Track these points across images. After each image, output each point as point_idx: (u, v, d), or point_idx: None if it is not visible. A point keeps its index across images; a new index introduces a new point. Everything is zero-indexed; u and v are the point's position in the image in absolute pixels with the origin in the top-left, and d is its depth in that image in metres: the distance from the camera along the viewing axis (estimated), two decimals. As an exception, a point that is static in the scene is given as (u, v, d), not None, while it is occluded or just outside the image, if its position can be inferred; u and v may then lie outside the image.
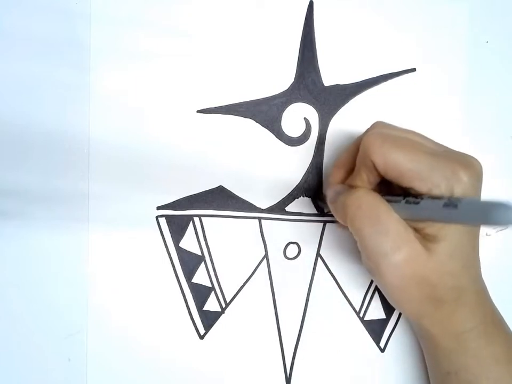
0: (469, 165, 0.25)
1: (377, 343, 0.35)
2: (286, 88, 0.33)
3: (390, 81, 0.33)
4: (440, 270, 0.26)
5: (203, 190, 0.32)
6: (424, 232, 0.26)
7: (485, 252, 0.35)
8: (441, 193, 0.24)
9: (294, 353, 0.34)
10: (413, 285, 0.26)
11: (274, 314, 0.34)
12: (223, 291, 0.33)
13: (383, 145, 0.25)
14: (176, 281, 0.33)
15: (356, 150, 0.28)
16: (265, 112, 0.32)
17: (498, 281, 0.35)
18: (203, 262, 0.33)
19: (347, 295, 0.34)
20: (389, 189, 0.28)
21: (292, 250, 0.34)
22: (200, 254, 0.33)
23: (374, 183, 0.28)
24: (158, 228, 0.32)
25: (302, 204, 0.33)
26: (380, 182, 0.28)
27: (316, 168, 0.33)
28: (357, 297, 0.34)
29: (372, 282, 0.34)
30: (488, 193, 0.35)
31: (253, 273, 0.33)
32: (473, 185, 0.25)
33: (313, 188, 0.33)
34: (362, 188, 0.27)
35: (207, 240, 0.33)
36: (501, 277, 0.35)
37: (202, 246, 0.33)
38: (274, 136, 0.33)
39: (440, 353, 0.29)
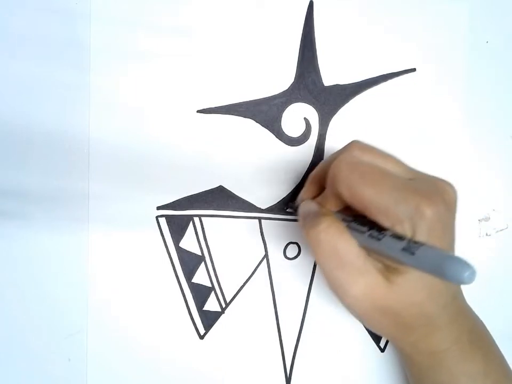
0: (436, 197, 0.24)
1: (377, 343, 0.35)
2: (286, 88, 0.33)
3: (390, 81, 0.33)
4: (403, 301, 0.25)
5: (203, 190, 0.32)
6: (386, 263, 0.25)
7: (485, 251, 0.35)
8: (403, 231, 0.23)
9: (294, 353, 0.34)
10: (377, 315, 0.25)
11: (274, 314, 0.34)
12: (223, 291, 0.33)
13: (350, 176, 0.24)
14: (176, 281, 0.33)
15: (328, 168, 0.27)
16: (265, 112, 0.32)
17: (498, 281, 0.35)
18: (203, 262, 0.33)
19: (347, 295, 0.34)
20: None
21: (292, 250, 0.34)
22: (200, 254, 0.33)
23: (341, 206, 0.27)
24: (158, 228, 0.32)
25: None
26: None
27: (316, 168, 0.33)
28: (357, 297, 0.34)
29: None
30: (488, 192, 0.35)
31: (253, 273, 0.33)
32: (439, 219, 0.23)
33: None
34: (325, 220, 0.25)
35: (207, 240, 0.33)
36: (501, 277, 0.35)
37: (202, 246, 0.33)
38: (274, 136, 0.33)
39: (416, 369, 0.29)
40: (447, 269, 0.20)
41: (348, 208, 0.27)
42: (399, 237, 0.23)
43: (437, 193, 0.24)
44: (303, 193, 0.30)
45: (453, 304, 0.27)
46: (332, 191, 0.26)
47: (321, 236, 0.25)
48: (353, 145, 0.27)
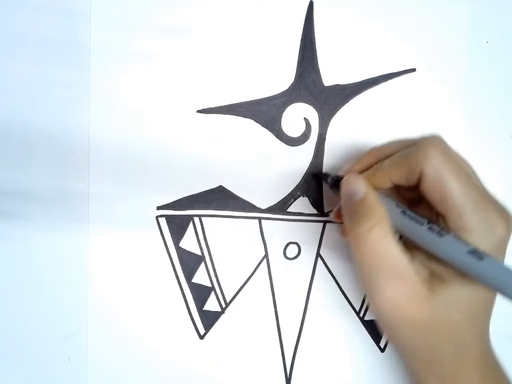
0: (507, 219, 0.24)
1: (377, 343, 0.35)
2: (286, 88, 0.33)
3: (390, 81, 0.33)
4: (439, 316, 0.23)
5: (203, 190, 0.32)
6: (433, 269, 0.24)
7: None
8: (468, 236, 0.23)
9: (294, 353, 0.34)
10: (405, 326, 0.24)
11: (274, 314, 0.34)
12: (223, 291, 0.33)
13: (443, 165, 0.23)
14: (176, 281, 0.33)
15: (401, 148, 0.26)
16: (265, 112, 0.32)
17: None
18: (203, 262, 0.33)
19: (347, 295, 0.34)
20: (402, 193, 0.26)
21: (292, 250, 0.34)
22: (200, 254, 0.33)
23: (397, 184, 0.25)
24: (158, 228, 0.32)
25: (302, 204, 0.33)
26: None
27: (316, 168, 0.33)
28: (357, 297, 0.34)
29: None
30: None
31: (253, 273, 0.33)
32: (506, 240, 0.23)
33: (313, 188, 0.33)
34: (372, 218, 0.24)
35: (207, 240, 0.33)
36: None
37: (202, 246, 0.33)
38: (274, 136, 0.33)
39: None
40: None
41: (395, 189, 0.25)
42: (464, 241, 0.23)
43: (508, 215, 0.24)
44: (352, 166, 0.28)
45: (486, 341, 0.25)
46: (406, 169, 0.24)
47: (363, 237, 0.24)
48: (438, 137, 0.25)
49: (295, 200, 0.33)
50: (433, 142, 0.25)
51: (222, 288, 0.33)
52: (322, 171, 0.33)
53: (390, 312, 0.24)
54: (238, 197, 0.33)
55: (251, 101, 0.32)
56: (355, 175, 0.27)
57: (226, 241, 0.33)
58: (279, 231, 0.33)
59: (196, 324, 0.33)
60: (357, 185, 0.25)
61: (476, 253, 0.22)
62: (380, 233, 0.24)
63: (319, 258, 0.34)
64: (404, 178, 0.25)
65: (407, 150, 0.25)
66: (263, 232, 0.33)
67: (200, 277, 0.33)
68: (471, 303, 0.24)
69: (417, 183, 0.25)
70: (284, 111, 0.33)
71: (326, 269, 0.34)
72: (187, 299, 0.33)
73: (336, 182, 0.28)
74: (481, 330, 0.25)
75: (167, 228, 0.32)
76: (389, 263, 0.24)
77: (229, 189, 0.33)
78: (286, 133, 0.33)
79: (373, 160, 0.27)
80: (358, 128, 0.33)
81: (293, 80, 0.33)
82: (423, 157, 0.24)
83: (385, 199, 0.25)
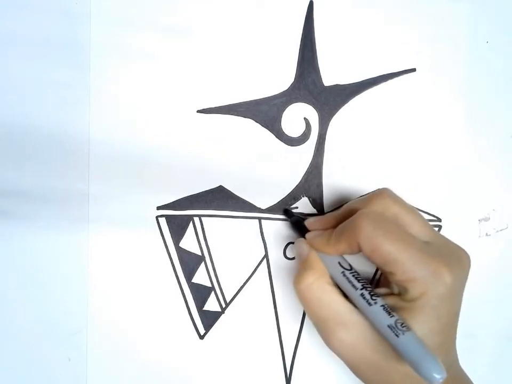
0: (454, 264, 0.25)
1: (377, 343, 0.35)
2: (286, 88, 0.33)
3: (390, 81, 0.33)
4: (393, 356, 0.25)
5: (203, 190, 0.32)
6: None
7: (485, 252, 0.35)
8: (413, 289, 0.24)
9: (294, 353, 0.34)
10: (363, 367, 0.26)
11: (274, 314, 0.34)
12: (223, 291, 0.33)
13: (374, 232, 0.25)
14: (176, 281, 0.33)
15: (346, 215, 0.28)
16: (265, 112, 0.32)
17: (498, 281, 0.35)
18: (203, 262, 0.33)
19: (347, 295, 0.34)
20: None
21: (292, 250, 0.34)
22: (200, 254, 0.33)
23: (349, 253, 0.27)
24: (158, 228, 0.32)
25: (302, 204, 0.33)
26: None
27: (316, 168, 0.33)
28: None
29: (370, 282, 0.34)
30: (488, 192, 0.35)
31: (253, 273, 0.33)
32: (453, 286, 0.25)
33: (313, 188, 0.33)
34: (311, 275, 0.27)
35: (207, 240, 0.33)
36: (501, 277, 0.35)
37: (202, 246, 0.33)
38: (274, 136, 0.33)
39: None
40: (423, 366, 0.22)
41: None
42: (389, 312, 0.24)
43: (454, 260, 0.25)
44: (315, 222, 0.30)
45: (448, 372, 0.25)
46: (347, 240, 0.26)
47: (305, 291, 0.27)
48: (382, 195, 0.28)
49: (296, 201, 0.33)
50: (365, 212, 0.26)
51: (222, 288, 0.33)
52: (288, 208, 0.33)
53: (345, 354, 0.26)
54: (238, 197, 0.33)
55: (251, 101, 0.32)
56: (301, 240, 0.30)
57: (226, 241, 0.33)
58: (279, 231, 0.33)
59: (196, 324, 0.33)
60: (302, 248, 0.29)
61: (394, 329, 0.23)
62: (319, 288, 0.27)
63: (319, 258, 0.34)
64: (348, 250, 0.27)
65: (346, 223, 0.27)
66: (263, 232, 0.33)
67: (200, 277, 0.33)
68: (428, 337, 0.25)
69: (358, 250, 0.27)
70: (283, 111, 0.33)
71: (326, 269, 0.34)
72: (187, 299, 0.33)
73: (296, 223, 0.32)
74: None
75: (167, 228, 0.32)
76: (332, 311, 0.26)
77: (229, 189, 0.33)
78: (286, 133, 0.33)
79: (326, 226, 0.30)
80: (358, 128, 0.33)
81: (293, 80, 0.33)
82: (356, 230, 0.26)
83: (330, 258, 0.28)
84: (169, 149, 0.32)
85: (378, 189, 0.29)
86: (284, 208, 0.33)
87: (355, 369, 0.27)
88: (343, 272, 0.27)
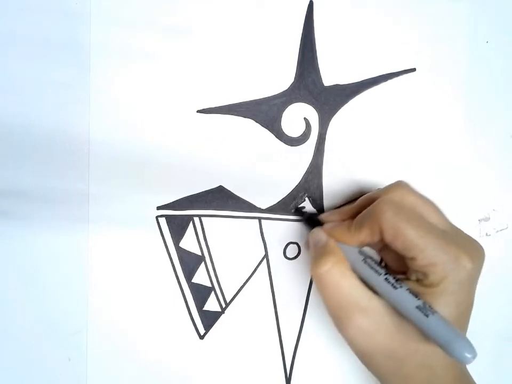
0: (473, 252, 0.26)
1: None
2: (286, 88, 0.33)
3: (390, 81, 0.33)
4: (409, 346, 0.25)
5: (203, 190, 0.32)
6: None
7: (485, 252, 0.35)
8: (433, 274, 0.25)
9: (294, 353, 0.34)
10: (377, 356, 0.26)
11: (274, 314, 0.34)
12: (223, 291, 0.33)
13: (397, 216, 0.25)
14: (176, 281, 0.33)
15: (364, 206, 0.28)
16: (265, 112, 0.32)
17: (498, 281, 0.35)
18: (203, 262, 0.33)
19: (347, 295, 0.34)
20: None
21: (292, 250, 0.34)
22: (200, 254, 0.33)
23: (369, 242, 0.28)
24: (158, 228, 0.32)
25: (302, 204, 0.33)
26: None
27: (316, 168, 0.33)
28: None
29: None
30: (488, 192, 0.35)
31: (253, 273, 0.33)
32: (473, 273, 0.25)
33: (313, 188, 0.33)
34: (329, 260, 0.27)
35: (207, 240, 0.33)
36: (501, 277, 0.35)
37: (202, 246, 0.33)
38: (274, 136, 0.33)
39: None
40: (455, 346, 0.22)
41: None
42: (415, 295, 0.24)
43: (472, 249, 0.26)
44: (331, 215, 0.31)
45: (458, 366, 0.26)
46: (369, 227, 0.27)
47: (324, 276, 0.27)
48: (399, 185, 0.28)
49: (294, 200, 0.33)
50: (385, 198, 0.27)
51: (222, 288, 0.33)
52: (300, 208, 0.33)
53: (360, 342, 0.26)
54: (238, 197, 0.33)
55: (251, 101, 0.32)
56: (319, 228, 0.30)
57: (226, 241, 0.33)
58: (279, 231, 0.33)
59: (196, 324, 0.33)
60: (320, 236, 0.29)
61: (423, 309, 0.23)
62: (339, 272, 0.26)
63: (319, 258, 0.34)
64: (368, 238, 0.27)
65: (366, 211, 0.27)
66: (263, 232, 0.33)
67: (200, 277, 0.33)
68: None
69: (382, 239, 0.27)
70: (283, 111, 0.33)
71: (326, 269, 0.34)
72: (187, 299, 0.33)
73: (309, 220, 0.32)
74: None
75: (167, 228, 0.32)
76: (352, 298, 0.26)
77: (229, 189, 0.33)
78: (286, 133, 0.33)
79: (342, 218, 0.30)
80: (358, 128, 0.33)
81: (293, 80, 0.33)
82: (378, 215, 0.26)
83: (349, 247, 0.28)
84: (169, 149, 0.32)
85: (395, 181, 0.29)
86: (296, 208, 0.33)
87: (368, 358, 0.26)
88: (364, 259, 0.27)
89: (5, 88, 0.31)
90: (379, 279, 0.26)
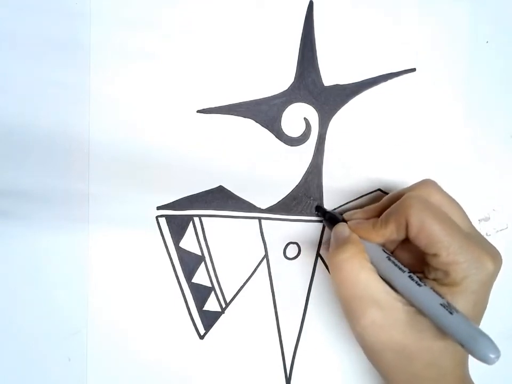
0: (495, 256, 0.26)
1: (377, 343, 0.35)
2: (286, 88, 0.33)
3: (390, 81, 0.33)
4: (422, 343, 0.25)
5: (203, 190, 0.32)
6: None
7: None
8: (455, 272, 0.25)
9: (294, 353, 0.34)
10: (387, 351, 0.26)
11: (274, 314, 0.34)
12: (223, 291, 0.33)
13: (424, 212, 0.26)
14: (176, 281, 0.33)
15: (388, 204, 0.28)
16: (265, 112, 0.32)
17: (498, 281, 0.35)
18: (203, 262, 0.33)
19: (347, 295, 0.34)
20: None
21: (292, 250, 0.34)
22: (200, 254, 0.33)
23: (392, 240, 0.28)
24: (158, 228, 0.32)
25: (302, 204, 0.33)
26: None
27: (316, 168, 0.33)
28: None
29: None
30: (488, 192, 0.35)
31: (253, 273, 0.33)
32: (493, 276, 0.25)
33: (313, 188, 0.33)
34: (350, 248, 0.27)
35: (207, 240, 0.33)
36: (501, 277, 0.35)
37: (202, 246, 0.33)
38: (274, 136, 0.33)
39: None
40: (480, 346, 0.22)
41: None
42: (438, 294, 0.25)
43: (493, 253, 0.26)
44: (355, 213, 0.30)
45: (465, 369, 0.27)
46: (395, 222, 0.27)
47: (343, 265, 0.26)
48: (426, 183, 0.28)
49: (294, 200, 0.33)
50: (413, 194, 0.27)
51: (222, 288, 0.33)
52: (323, 206, 0.33)
53: (372, 336, 0.26)
54: (238, 197, 0.33)
55: (251, 101, 0.32)
56: (343, 223, 0.30)
57: (226, 241, 0.33)
58: (279, 231, 0.33)
59: (196, 324, 0.33)
60: (344, 229, 0.29)
61: (447, 307, 0.24)
62: (358, 263, 0.26)
63: (319, 258, 0.34)
64: (394, 234, 0.27)
65: (393, 206, 0.27)
66: (263, 232, 0.33)
67: (200, 277, 0.33)
68: None
69: (406, 235, 0.27)
70: (283, 111, 0.33)
71: (326, 269, 0.34)
72: (187, 299, 0.33)
73: (331, 219, 0.31)
74: (461, 356, 0.26)
75: (167, 228, 0.32)
76: (368, 290, 0.26)
77: (229, 189, 0.33)
78: (286, 133, 0.33)
79: (367, 217, 0.30)
80: (358, 128, 0.33)
81: (292, 80, 0.33)
82: (406, 208, 0.26)
83: (372, 244, 0.28)
84: (169, 149, 0.32)
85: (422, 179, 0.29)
86: (316, 205, 0.33)
87: (377, 354, 0.26)
88: (388, 257, 0.27)
89: (5, 88, 0.31)
90: (403, 276, 0.26)
